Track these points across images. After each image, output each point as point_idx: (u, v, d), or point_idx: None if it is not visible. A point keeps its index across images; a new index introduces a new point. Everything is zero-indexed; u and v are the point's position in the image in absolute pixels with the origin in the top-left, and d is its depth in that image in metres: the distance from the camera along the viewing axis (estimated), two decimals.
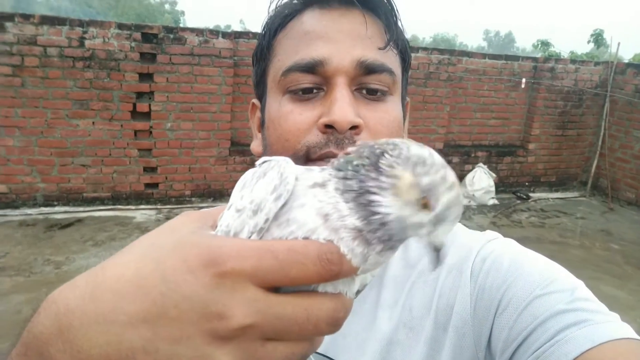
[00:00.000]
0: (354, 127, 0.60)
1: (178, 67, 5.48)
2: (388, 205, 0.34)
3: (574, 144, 7.60)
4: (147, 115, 5.54)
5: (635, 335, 0.51)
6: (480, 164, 6.91)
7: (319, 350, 0.62)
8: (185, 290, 0.32)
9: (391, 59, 0.65)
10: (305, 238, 0.35)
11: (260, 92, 0.71)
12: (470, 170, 6.93)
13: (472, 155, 7.02)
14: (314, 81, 0.62)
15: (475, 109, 6.98)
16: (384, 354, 0.62)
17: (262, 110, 0.71)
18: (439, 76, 6.54)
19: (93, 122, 5.36)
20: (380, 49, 0.63)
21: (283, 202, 0.36)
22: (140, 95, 5.47)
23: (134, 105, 5.46)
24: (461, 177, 6.96)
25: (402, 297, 0.65)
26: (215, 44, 5.56)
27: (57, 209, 5.43)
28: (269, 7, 0.69)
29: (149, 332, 0.32)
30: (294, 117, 0.62)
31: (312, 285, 0.35)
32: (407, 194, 0.34)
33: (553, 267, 0.61)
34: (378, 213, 0.34)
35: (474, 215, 6.41)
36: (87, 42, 5.15)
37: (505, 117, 7.19)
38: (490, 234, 0.70)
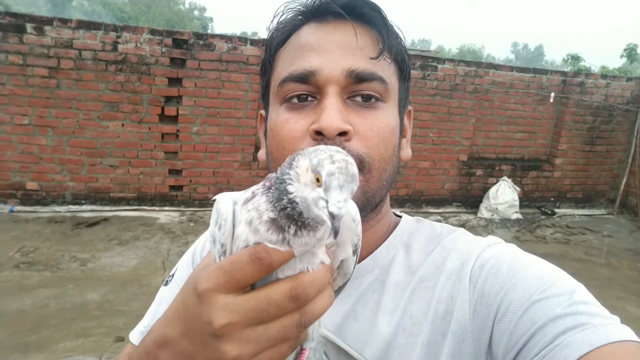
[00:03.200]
0: (344, 134, 0.62)
1: (206, 72, 5.59)
2: (295, 190, 0.42)
3: (602, 160, 7.42)
4: (174, 119, 5.66)
5: (635, 337, 0.50)
6: (505, 178, 6.81)
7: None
8: (190, 310, 0.46)
9: (384, 68, 0.67)
10: (246, 246, 0.44)
11: (265, 103, 0.75)
12: (495, 183, 6.84)
13: (497, 168, 6.93)
14: (307, 90, 0.65)
15: (501, 122, 6.90)
16: (382, 357, 0.63)
17: (266, 120, 0.75)
18: (464, 88, 6.49)
19: (122, 124, 5.51)
20: (372, 58, 0.65)
21: (226, 229, 0.46)
22: (168, 99, 5.60)
23: (162, 109, 5.59)
24: (485, 190, 6.88)
25: (402, 303, 0.66)
26: (244, 50, 5.65)
27: (84, 207, 5.59)
28: (270, 23, 0.72)
29: (188, 341, 0.47)
30: (289, 126, 0.65)
31: (271, 276, 0.45)
32: (305, 176, 0.42)
33: (551, 271, 0.61)
34: (289, 194, 0.42)
35: (497, 229, 6.32)
36: (120, 47, 5.31)
37: (531, 130, 7.08)
38: (491, 239, 0.70)
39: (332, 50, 0.65)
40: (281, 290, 0.43)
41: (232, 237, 0.46)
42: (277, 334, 0.44)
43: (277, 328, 0.44)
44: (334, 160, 0.41)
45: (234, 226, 0.46)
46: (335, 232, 0.40)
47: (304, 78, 0.64)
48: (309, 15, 0.69)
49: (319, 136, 0.62)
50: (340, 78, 0.64)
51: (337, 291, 0.57)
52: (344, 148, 0.62)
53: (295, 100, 0.66)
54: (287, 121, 0.66)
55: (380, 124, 0.65)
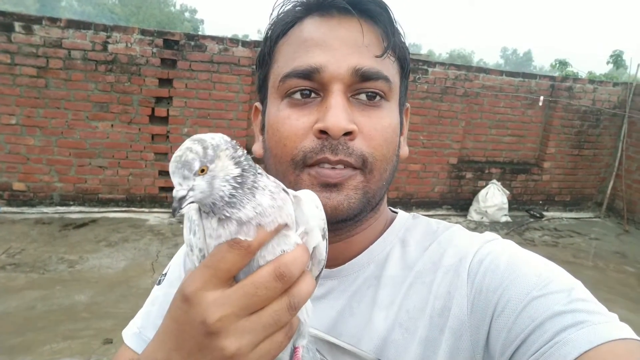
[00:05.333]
0: (348, 133, 0.61)
1: (197, 73, 5.57)
2: None
3: (589, 164, 7.51)
4: (164, 120, 5.63)
5: (634, 335, 0.50)
6: (494, 181, 6.86)
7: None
8: (181, 319, 0.45)
9: (388, 67, 0.66)
10: (220, 242, 0.46)
11: (262, 96, 0.73)
12: (484, 186, 6.89)
13: (486, 171, 6.98)
14: (311, 87, 0.64)
15: (491, 126, 6.95)
16: (378, 352, 0.63)
17: (263, 114, 0.73)
18: (455, 91, 6.54)
19: (112, 125, 5.46)
20: (377, 56, 0.64)
21: (200, 233, 0.47)
22: (159, 100, 5.57)
23: (153, 110, 5.55)
24: (474, 192, 6.92)
25: (398, 298, 0.65)
26: (235, 52, 5.64)
27: (72, 208, 5.53)
28: (271, 14, 0.70)
29: (182, 352, 0.45)
30: (291, 123, 0.64)
31: (253, 264, 0.45)
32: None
33: (550, 268, 0.60)
34: None
35: (486, 231, 6.35)
36: (110, 47, 5.26)
37: (520, 134, 7.14)
38: (488, 235, 0.70)
39: (337, 47, 0.63)
40: (266, 272, 0.44)
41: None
42: (271, 319, 0.44)
43: (269, 313, 0.44)
44: (179, 149, 0.44)
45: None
46: (174, 211, 0.43)
47: (308, 74, 0.63)
48: (311, 8, 0.67)
49: (324, 135, 0.61)
50: (346, 76, 0.62)
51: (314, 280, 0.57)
52: (347, 148, 0.62)
53: (297, 95, 0.64)
54: (288, 117, 0.64)
55: (383, 123, 0.65)
